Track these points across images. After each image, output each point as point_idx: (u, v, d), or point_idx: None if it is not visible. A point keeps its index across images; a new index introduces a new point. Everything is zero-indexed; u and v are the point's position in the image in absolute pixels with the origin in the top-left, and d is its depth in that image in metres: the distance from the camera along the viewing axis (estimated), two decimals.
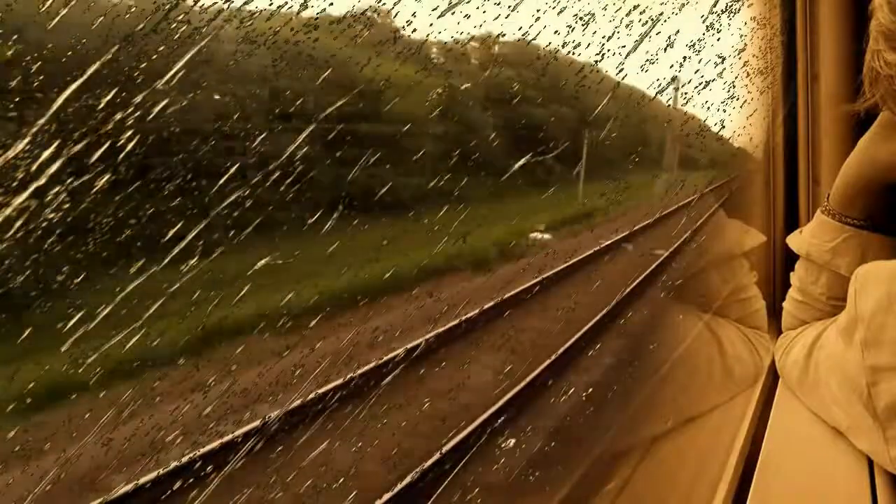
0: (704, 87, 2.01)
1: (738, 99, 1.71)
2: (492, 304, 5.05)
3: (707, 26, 1.94)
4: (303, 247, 4.51)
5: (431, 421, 3.59)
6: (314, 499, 2.92)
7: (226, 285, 3.49)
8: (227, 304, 3.56)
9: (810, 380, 0.90)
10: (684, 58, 2.17)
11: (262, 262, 3.55)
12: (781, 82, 1.47)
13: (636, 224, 7.74)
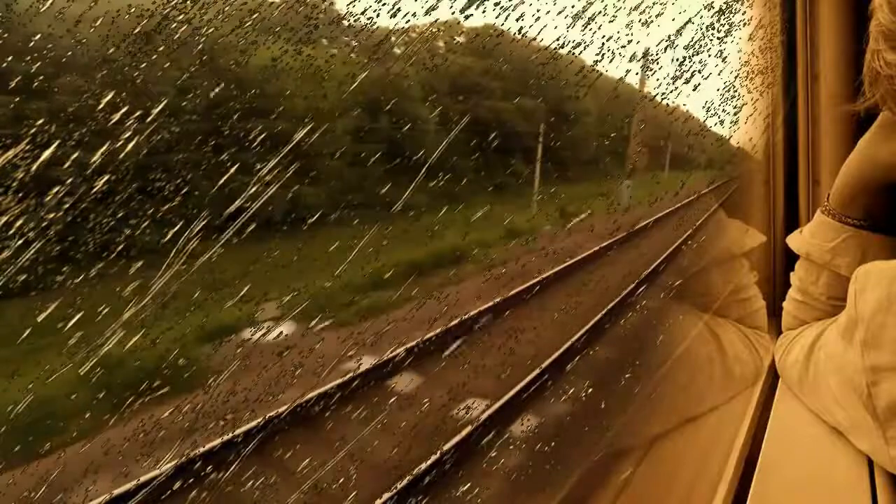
0: (704, 87, 2.01)
1: (738, 99, 1.71)
2: None
3: (707, 26, 1.94)
4: None
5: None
6: (314, 498, 2.92)
7: None
8: None
9: (810, 380, 0.90)
10: (684, 57, 2.17)
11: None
12: (781, 82, 1.47)
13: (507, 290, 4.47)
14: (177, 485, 2.58)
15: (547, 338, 3.71)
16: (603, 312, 4.12)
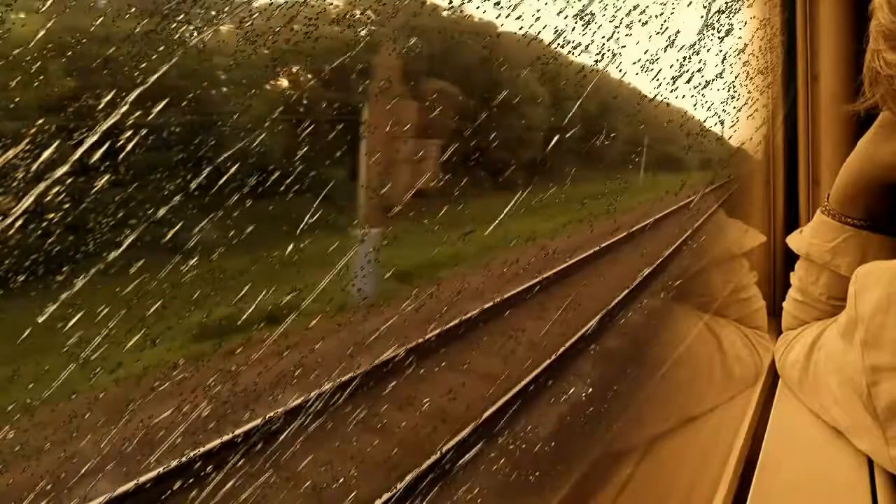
0: (704, 87, 2.01)
1: (738, 99, 1.71)
2: None
3: (707, 26, 1.94)
4: None
5: None
6: (314, 499, 2.92)
7: None
8: None
9: (810, 380, 0.90)
10: (684, 57, 2.17)
11: None
12: (781, 82, 1.47)
13: None
14: (176, 485, 2.59)
15: None
16: None
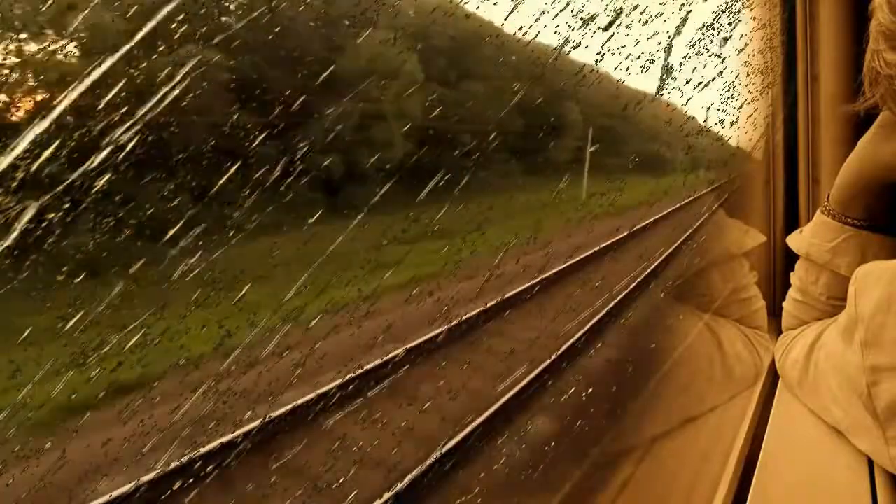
0: (705, 87, 2.01)
1: (738, 99, 1.71)
2: None
3: (707, 26, 1.94)
4: None
5: None
6: (315, 499, 2.92)
7: None
8: None
9: (810, 380, 0.90)
10: (684, 57, 2.16)
11: None
12: (781, 82, 1.47)
13: None
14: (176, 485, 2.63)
15: None
16: None
